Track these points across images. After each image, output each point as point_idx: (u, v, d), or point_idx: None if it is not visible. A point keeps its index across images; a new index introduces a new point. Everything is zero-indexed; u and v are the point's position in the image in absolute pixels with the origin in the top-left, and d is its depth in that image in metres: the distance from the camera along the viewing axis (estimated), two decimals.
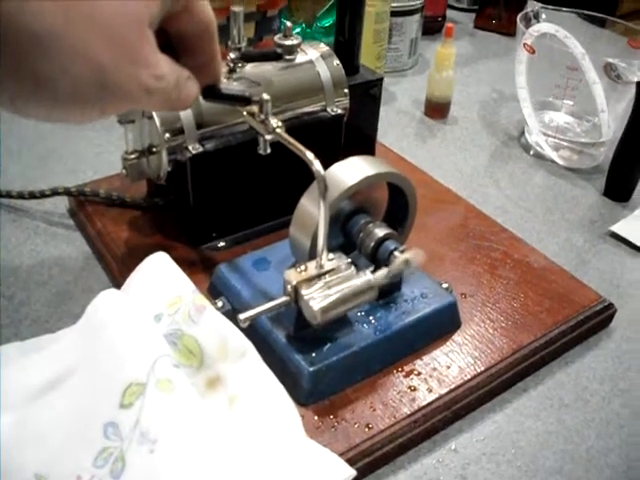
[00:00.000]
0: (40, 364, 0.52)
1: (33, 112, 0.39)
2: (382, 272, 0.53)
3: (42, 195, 0.75)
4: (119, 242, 0.69)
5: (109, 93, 0.39)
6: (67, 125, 0.92)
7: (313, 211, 0.53)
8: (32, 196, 0.75)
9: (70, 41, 0.35)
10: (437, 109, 1.00)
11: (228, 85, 0.63)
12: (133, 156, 0.64)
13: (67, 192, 0.74)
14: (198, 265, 0.66)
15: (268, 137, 0.54)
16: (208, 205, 0.66)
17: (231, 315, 0.53)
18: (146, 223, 0.72)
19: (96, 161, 0.86)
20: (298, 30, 1.08)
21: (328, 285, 0.51)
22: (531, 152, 0.93)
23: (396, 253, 0.55)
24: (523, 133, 0.96)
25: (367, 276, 0.52)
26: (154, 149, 0.63)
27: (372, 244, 0.56)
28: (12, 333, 0.61)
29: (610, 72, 0.81)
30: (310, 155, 0.50)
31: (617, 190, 0.85)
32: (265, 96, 0.52)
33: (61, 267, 0.69)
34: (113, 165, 0.81)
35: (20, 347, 0.55)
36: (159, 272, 0.57)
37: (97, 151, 0.88)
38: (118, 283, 0.59)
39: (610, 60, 0.81)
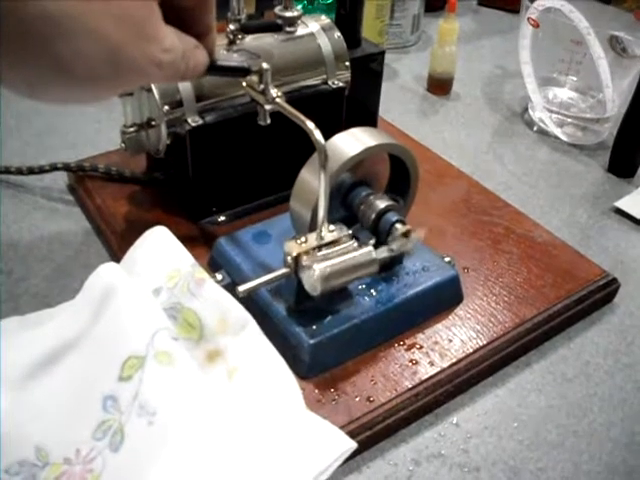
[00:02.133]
0: (39, 338, 0.52)
1: (51, 96, 0.40)
2: (384, 248, 0.53)
3: (41, 170, 0.74)
4: (119, 217, 0.68)
5: (122, 70, 0.39)
6: None
7: (313, 182, 0.52)
8: (31, 172, 0.74)
9: (85, 22, 0.35)
10: (440, 85, 0.99)
11: (227, 57, 0.62)
12: (132, 129, 0.63)
13: (66, 167, 0.74)
14: (198, 240, 0.66)
15: (268, 107, 0.53)
16: (208, 179, 0.65)
17: (231, 288, 0.53)
18: (146, 198, 0.71)
19: (96, 137, 0.85)
20: (299, 7, 1.07)
21: (329, 256, 0.50)
22: (535, 128, 0.92)
23: (397, 225, 0.54)
24: (527, 109, 0.95)
25: (368, 249, 0.52)
26: (153, 122, 0.62)
27: (373, 216, 0.55)
28: (11, 308, 0.61)
29: (616, 45, 0.80)
30: (310, 125, 0.49)
31: (621, 166, 0.84)
32: (265, 65, 0.52)
33: (60, 242, 0.68)
34: (113, 141, 0.79)
35: (19, 322, 0.55)
36: (158, 246, 0.57)
37: (97, 127, 0.87)
38: (118, 258, 0.58)
39: (616, 33, 0.80)
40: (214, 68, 0.48)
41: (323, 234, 0.51)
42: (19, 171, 0.75)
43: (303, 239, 0.51)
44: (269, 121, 0.55)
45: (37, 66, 0.36)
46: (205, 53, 0.45)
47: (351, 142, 0.54)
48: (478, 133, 0.91)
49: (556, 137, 0.90)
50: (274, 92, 0.52)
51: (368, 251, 0.51)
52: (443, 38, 0.95)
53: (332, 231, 0.52)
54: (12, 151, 0.81)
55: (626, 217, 0.77)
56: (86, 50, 0.36)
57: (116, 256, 0.63)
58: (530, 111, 0.94)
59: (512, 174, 0.83)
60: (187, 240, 0.58)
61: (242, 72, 0.52)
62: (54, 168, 0.74)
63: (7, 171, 0.75)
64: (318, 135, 0.49)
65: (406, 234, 0.54)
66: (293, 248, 0.51)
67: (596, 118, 0.90)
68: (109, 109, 0.89)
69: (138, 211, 0.69)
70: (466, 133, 0.91)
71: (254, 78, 0.53)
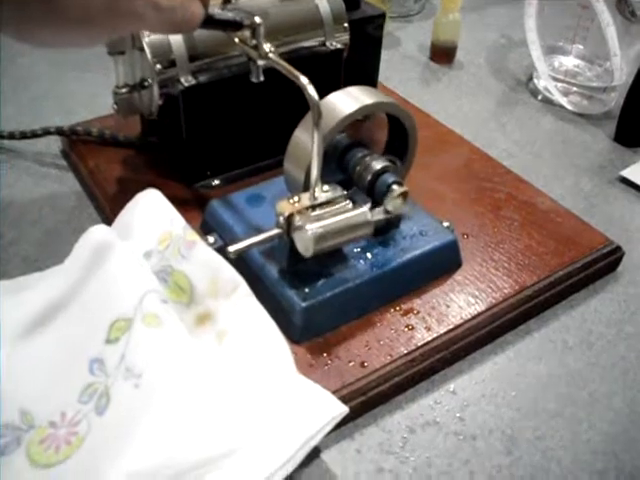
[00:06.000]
0: (27, 302, 0.51)
1: (39, 37, 0.39)
2: (379, 209, 0.51)
3: (33, 135, 0.73)
4: (111, 181, 0.67)
5: (117, 12, 0.38)
6: (62, 66, 0.90)
7: (307, 141, 0.50)
8: (23, 136, 0.73)
9: None
10: (443, 53, 0.97)
11: (221, 15, 0.60)
12: (124, 90, 0.62)
13: (59, 131, 0.72)
14: (192, 204, 0.64)
15: (260, 63, 0.52)
16: (202, 141, 0.64)
17: (223, 251, 0.51)
18: (140, 162, 0.70)
19: (91, 102, 0.83)
20: None
21: (322, 216, 0.49)
22: (539, 97, 0.90)
23: (394, 187, 0.52)
24: (531, 78, 0.93)
25: (363, 209, 0.50)
26: (145, 83, 0.61)
27: (369, 177, 0.54)
28: (1, 272, 0.59)
29: (624, 8, 0.77)
30: (304, 80, 0.47)
31: (628, 135, 0.82)
32: (257, 19, 0.50)
33: (52, 207, 0.67)
34: (109, 106, 0.78)
35: (8, 285, 0.54)
36: (150, 208, 0.56)
37: (92, 92, 0.85)
38: (110, 222, 0.57)
39: None
40: (207, 21, 0.47)
41: (316, 194, 0.49)
42: (12, 136, 0.73)
43: (296, 199, 0.50)
44: (262, 78, 0.53)
45: (26, 6, 0.35)
46: (201, 6, 0.45)
47: (347, 100, 0.53)
48: (481, 101, 0.89)
49: (561, 106, 0.87)
50: (267, 47, 0.51)
51: (363, 212, 0.50)
52: (447, 5, 0.93)
53: (326, 191, 0.50)
54: (7, 116, 0.79)
55: (632, 186, 0.75)
56: None
57: (108, 220, 0.62)
58: (535, 80, 0.92)
59: (515, 143, 0.81)
60: (181, 204, 0.57)
61: (234, 26, 0.51)
62: (47, 132, 0.72)
63: None
64: (312, 90, 0.47)
65: (403, 196, 0.52)
66: (285, 208, 0.49)
67: (603, 87, 0.87)
68: (106, 74, 0.87)
69: (131, 175, 0.68)
70: (469, 101, 0.89)
71: (247, 33, 0.51)
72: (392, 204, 0.52)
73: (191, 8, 0.43)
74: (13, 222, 0.65)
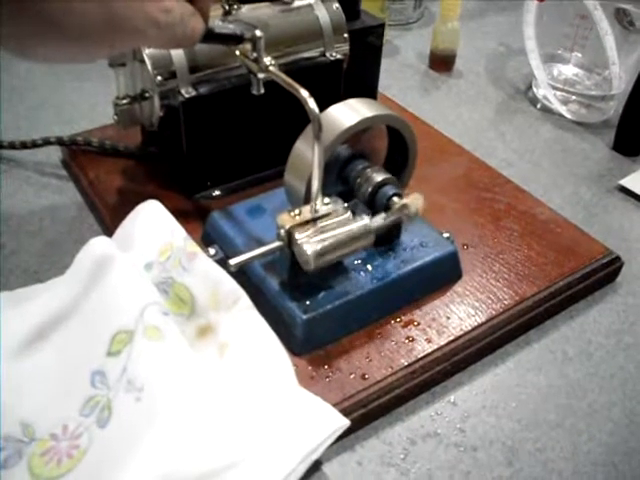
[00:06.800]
0: (28, 314, 0.51)
1: (41, 53, 0.39)
2: (380, 216, 0.51)
3: (34, 145, 0.73)
4: (112, 192, 0.67)
5: (117, 29, 0.39)
6: (60, 75, 0.90)
7: (308, 154, 0.50)
8: (24, 146, 0.73)
9: None
10: (442, 62, 0.97)
11: (222, 27, 0.61)
12: (125, 101, 0.62)
13: (59, 142, 0.72)
14: (192, 215, 0.64)
15: (261, 76, 0.52)
16: (202, 152, 0.64)
17: (224, 263, 0.51)
18: (140, 173, 0.70)
19: (91, 112, 0.83)
20: None
21: (323, 229, 0.49)
22: (538, 105, 0.90)
23: (395, 199, 0.53)
24: (530, 87, 0.93)
25: (364, 220, 0.50)
26: (146, 94, 0.61)
27: (370, 189, 0.54)
28: (1, 283, 0.59)
29: (622, 18, 0.78)
30: (304, 93, 0.48)
31: (627, 144, 0.82)
32: (258, 33, 0.50)
33: (53, 217, 0.67)
34: (109, 116, 0.78)
35: (9, 297, 0.54)
36: (151, 220, 0.56)
37: (92, 102, 0.85)
38: (110, 233, 0.57)
39: (622, 5, 0.78)
40: (208, 36, 0.47)
41: (317, 207, 0.50)
42: (12, 146, 0.73)
43: (297, 211, 0.50)
44: (262, 91, 0.53)
45: (24, 22, 0.35)
46: (202, 20, 0.45)
47: (347, 113, 0.53)
48: (480, 110, 0.89)
49: (560, 115, 0.88)
50: (267, 60, 0.51)
51: (363, 222, 0.50)
52: (446, 13, 0.93)
53: (327, 204, 0.50)
54: (5, 126, 0.80)
55: (631, 196, 0.75)
56: (77, 7, 0.36)
57: (109, 231, 0.62)
58: (534, 88, 0.92)
59: (514, 151, 0.81)
60: (181, 215, 0.57)
61: (235, 40, 0.51)
62: (47, 142, 0.73)
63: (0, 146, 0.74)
64: (312, 104, 0.47)
65: (404, 208, 0.52)
66: (286, 221, 0.49)
67: (601, 95, 0.88)
68: (106, 84, 0.87)
69: (132, 185, 0.68)
70: (468, 110, 0.89)
71: (247, 46, 0.52)
72: (393, 215, 0.52)
73: (191, 23, 0.43)
74: (14, 233, 0.65)
